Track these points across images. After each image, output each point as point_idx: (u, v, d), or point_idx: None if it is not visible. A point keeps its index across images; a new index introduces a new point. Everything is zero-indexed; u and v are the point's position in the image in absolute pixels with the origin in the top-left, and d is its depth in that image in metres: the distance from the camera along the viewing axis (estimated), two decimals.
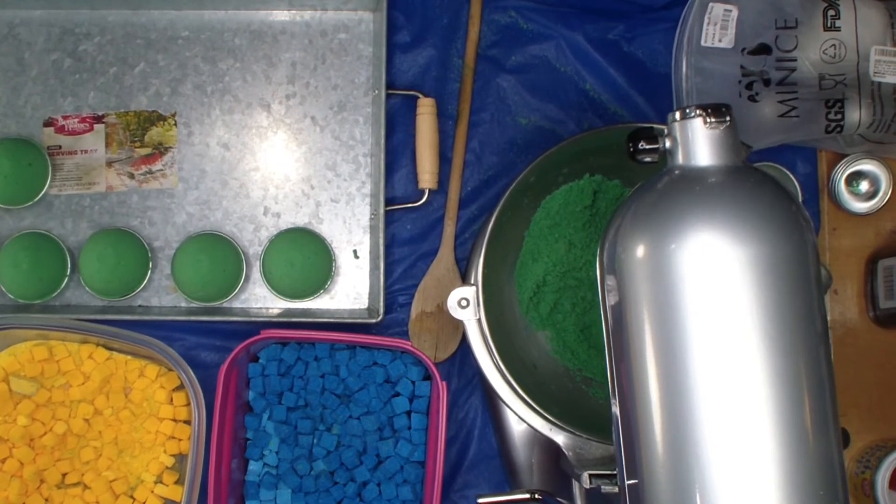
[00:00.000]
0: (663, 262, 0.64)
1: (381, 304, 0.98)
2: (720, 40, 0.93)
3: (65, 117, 1.03)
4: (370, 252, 1.02)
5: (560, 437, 0.87)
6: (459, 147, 1.03)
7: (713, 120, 0.67)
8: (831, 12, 0.95)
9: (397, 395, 0.97)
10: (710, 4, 0.93)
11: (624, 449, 0.67)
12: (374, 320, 0.98)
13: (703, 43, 0.94)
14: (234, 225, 1.03)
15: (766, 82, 0.94)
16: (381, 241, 0.98)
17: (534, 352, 0.96)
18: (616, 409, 0.68)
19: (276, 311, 1.02)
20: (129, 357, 0.98)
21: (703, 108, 0.67)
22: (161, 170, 1.03)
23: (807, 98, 0.94)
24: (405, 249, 1.03)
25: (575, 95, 1.04)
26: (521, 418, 0.88)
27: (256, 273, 1.02)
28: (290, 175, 1.03)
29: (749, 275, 0.63)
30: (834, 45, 0.94)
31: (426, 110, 1.01)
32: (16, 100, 1.03)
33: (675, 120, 0.68)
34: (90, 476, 0.97)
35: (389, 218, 1.02)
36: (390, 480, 0.96)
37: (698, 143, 0.67)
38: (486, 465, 1.01)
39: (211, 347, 1.01)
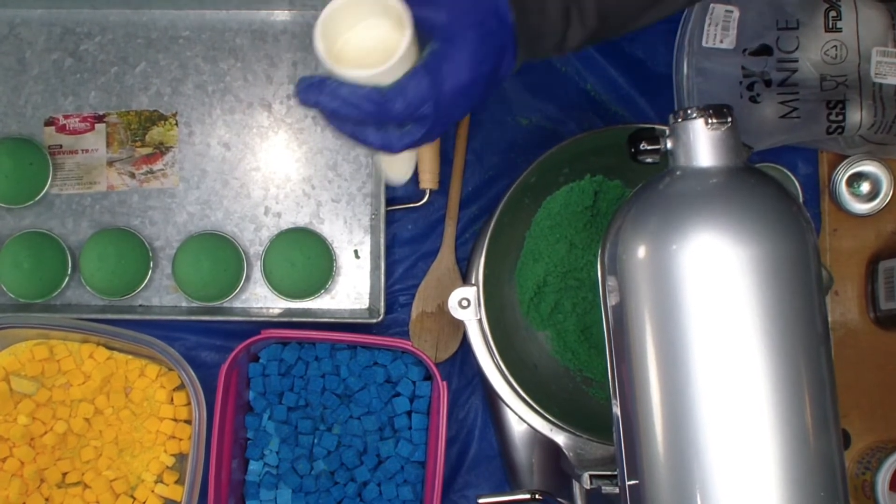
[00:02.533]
0: (664, 263, 0.64)
1: (382, 304, 0.98)
2: (721, 41, 0.93)
3: (66, 116, 1.03)
4: (371, 252, 1.02)
5: (560, 438, 0.87)
6: (460, 147, 1.03)
7: (714, 121, 0.67)
8: (832, 13, 0.95)
9: (398, 395, 0.97)
10: (712, 5, 0.93)
11: (624, 449, 0.67)
12: (374, 320, 0.98)
13: (704, 44, 0.94)
14: (235, 225, 1.03)
15: (768, 83, 0.94)
16: (382, 241, 0.98)
17: (534, 352, 0.96)
18: (617, 410, 0.68)
19: (276, 311, 1.02)
20: (129, 356, 0.98)
21: (705, 108, 0.67)
22: (162, 169, 1.03)
23: (808, 99, 0.94)
24: (406, 249, 1.03)
25: (576, 96, 1.04)
26: (522, 418, 0.88)
27: (257, 273, 1.02)
28: (291, 175, 1.03)
29: (750, 276, 0.63)
30: (835, 46, 0.94)
31: None
32: (17, 99, 1.03)
33: (676, 121, 0.68)
34: (90, 475, 0.97)
35: (390, 218, 1.02)
36: (391, 480, 0.96)
37: (699, 143, 0.67)
38: (486, 466, 1.01)
39: (211, 347, 1.01)
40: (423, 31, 0.67)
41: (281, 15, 1.04)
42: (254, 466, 0.98)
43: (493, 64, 0.68)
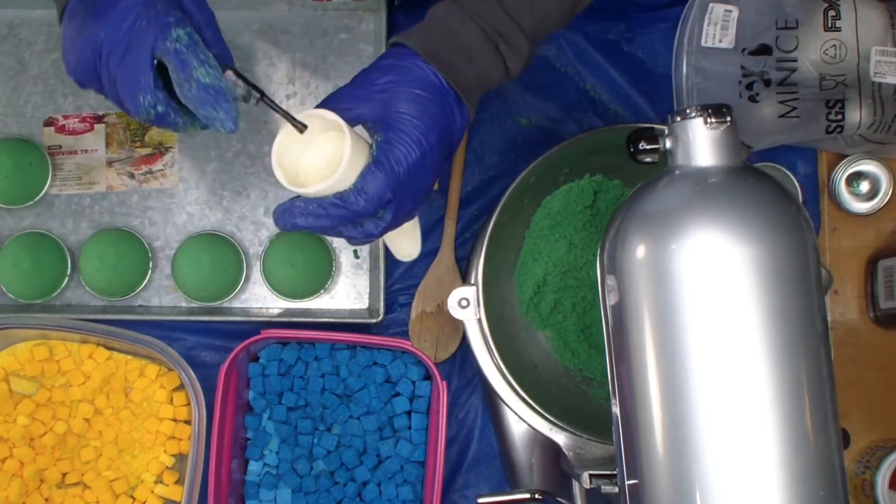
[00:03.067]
0: (663, 263, 0.64)
1: (382, 303, 0.98)
2: (721, 40, 0.93)
3: (65, 117, 1.03)
4: (370, 252, 1.02)
5: (560, 437, 0.87)
6: (460, 147, 1.03)
7: (714, 120, 0.67)
8: (832, 13, 0.95)
9: (397, 394, 0.97)
10: (711, 5, 0.93)
11: (624, 449, 0.67)
12: (374, 320, 0.98)
13: (703, 43, 0.94)
14: (235, 225, 1.03)
15: (767, 83, 0.94)
16: (382, 240, 0.98)
17: (534, 352, 0.96)
18: (616, 409, 0.68)
19: (276, 311, 1.02)
20: (129, 357, 0.98)
21: (704, 108, 0.67)
22: (161, 170, 1.03)
23: (807, 98, 0.94)
24: None
25: (575, 95, 1.04)
26: (522, 418, 0.88)
27: (257, 273, 1.02)
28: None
29: (749, 275, 0.63)
30: (834, 45, 0.94)
31: None
32: (16, 99, 1.03)
33: (675, 120, 0.68)
34: (90, 476, 0.97)
35: None
36: (390, 480, 0.96)
37: (699, 143, 0.67)
38: (486, 465, 1.01)
39: (211, 347, 1.01)
40: (368, 126, 0.74)
41: (281, 14, 1.04)
42: (254, 466, 0.98)
43: (442, 128, 0.73)
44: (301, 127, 0.72)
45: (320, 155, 0.74)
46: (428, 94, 0.73)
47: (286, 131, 0.73)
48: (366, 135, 0.74)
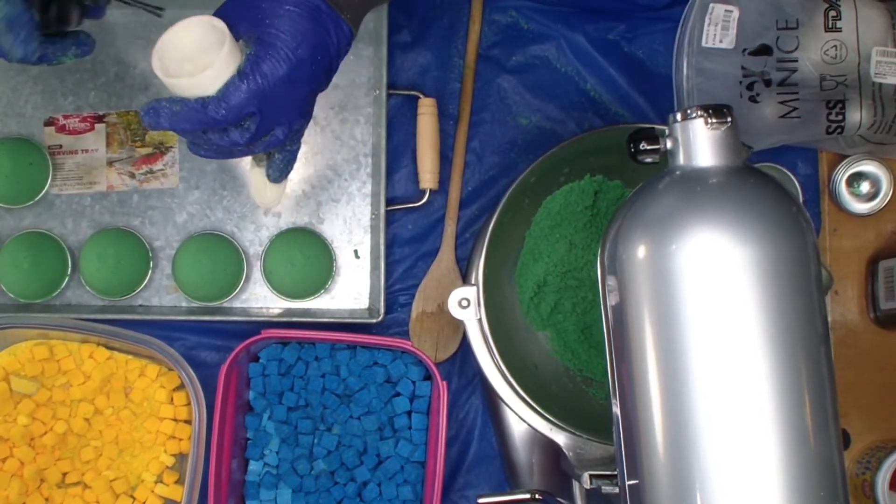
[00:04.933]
0: (664, 263, 0.64)
1: (382, 303, 0.98)
2: (721, 41, 0.93)
3: (66, 117, 1.03)
4: (371, 252, 1.02)
5: (560, 438, 0.87)
6: (460, 147, 1.03)
7: (714, 121, 0.67)
8: (832, 13, 0.95)
9: (398, 394, 0.97)
10: (711, 5, 0.93)
11: (624, 449, 0.67)
12: (374, 320, 0.98)
13: (703, 43, 0.94)
14: (235, 224, 1.03)
15: (767, 83, 0.94)
16: (382, 240, 0.99)
17: (534, 352, 0.96)
18: (616, 410, 0.68)
19: (276, 311, 1.02)
20: (129, 356, 0.98)
21: (705, 108, 0.67)
22: (162, 169, 1.03)
23: (808, 99, 0.94)
24: (406, 249, 1.03)
25: (576, 95, 1.04)
26: (522, 418, 0.88)
27: (257, 273, 1.02)
28: (291, 174, 1.02)
29: (750, 275, 0.63)
30: (835, 45, 0.94)
31: (427, 110, 1.01)
32: (17, 99, 1.03)
33: (676, 120, 0.68)
34: (90, 475, 0.97)
35: (390, 218, 1.02)
36: (391, 480, 0.96)
37: (699, 143, 0.67)
38: (486, 465, 1.01)
39: (211, 347, 1.01)
40: (244, 41, 0.75)
41: None
42: (254, 466, 0.98)
43: (314, 43, 0.74)
44: (158, 12, 0.74)
45: (198, 57, 0.75)
46: (299, 9, 0.74)
47: (172, 32, 0.74)
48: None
